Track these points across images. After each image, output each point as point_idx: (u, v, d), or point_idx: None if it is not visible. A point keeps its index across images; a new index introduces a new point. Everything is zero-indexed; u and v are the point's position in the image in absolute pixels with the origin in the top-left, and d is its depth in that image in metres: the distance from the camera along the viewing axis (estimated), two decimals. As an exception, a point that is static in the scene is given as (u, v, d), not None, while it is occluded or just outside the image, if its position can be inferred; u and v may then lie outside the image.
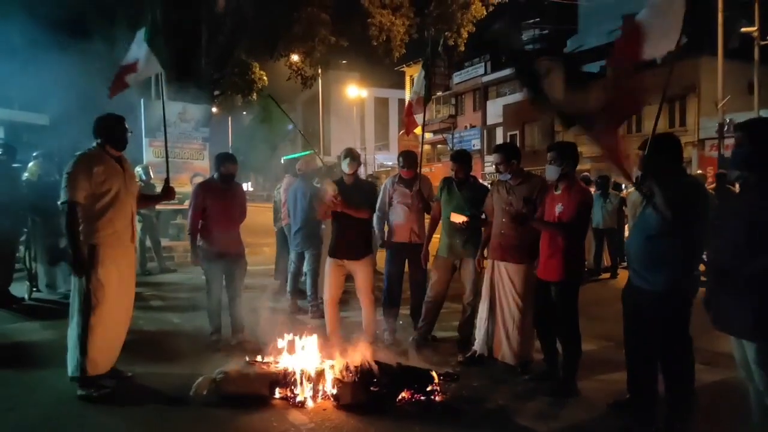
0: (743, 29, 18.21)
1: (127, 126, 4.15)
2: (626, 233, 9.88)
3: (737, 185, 8.07)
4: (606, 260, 9.91)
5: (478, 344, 4.68)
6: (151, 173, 9.86)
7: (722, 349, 4.61)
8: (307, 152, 8.56)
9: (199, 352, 4.87)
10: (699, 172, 8.67)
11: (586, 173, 12.88)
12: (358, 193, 4.91)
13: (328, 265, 5.04)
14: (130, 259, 4.16)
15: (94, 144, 4.02)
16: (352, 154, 5.04)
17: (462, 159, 5.09)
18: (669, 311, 3.29)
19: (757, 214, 2.48)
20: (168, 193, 4.52)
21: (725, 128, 18.35)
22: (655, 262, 3.30)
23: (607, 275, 9.70)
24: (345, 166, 5.02)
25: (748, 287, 2.51)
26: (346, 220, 4.82)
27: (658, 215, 3.22)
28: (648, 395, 3.56)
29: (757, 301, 2.48)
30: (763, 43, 17.97)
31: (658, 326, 3.34)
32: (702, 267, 3.40)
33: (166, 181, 4.59)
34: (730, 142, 17.36)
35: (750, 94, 19.47)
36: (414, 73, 39.58)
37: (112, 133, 4.05)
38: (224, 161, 5.23)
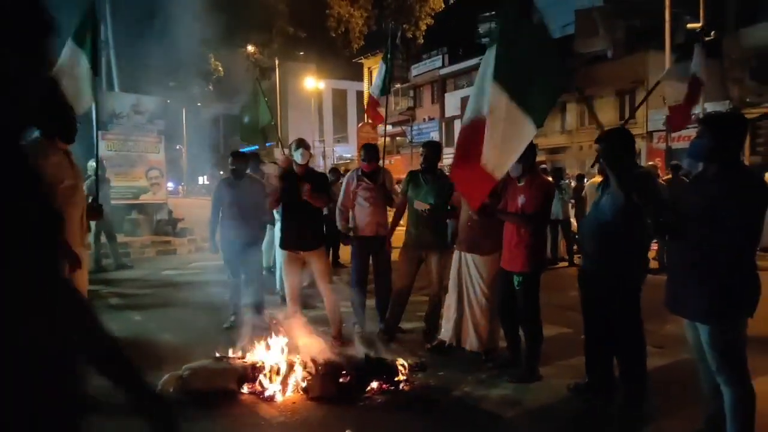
0: (689, 25, 18.96)
1: (75, 115, 3.86)
2: (573, 223, 10.22)
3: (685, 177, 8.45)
4: (561, 249, 10.22)
5: (445, 334, 4.77)
6: (105, 166, 9.55)
7: (672, 333, 4.87)
8: (254, 147, 8.54)
9: (163, 349, 4.79)
10: (651, 163, 8.98)
11: (543, 165, 13.18)
12: (312, 183, 4.92)
13: (284, 258, 5.05)
14: (84, 257, 3.96)
15: (36, 134, 3.62)
16: (304, 144, 5.05)
17: (430, 147, 5.20)
18: (621, 295, 3.48)
19: (715, 203, 2.62)
20: (95, 212, 4.19)
21: (672, 121, 19.09)
22: (609, 248, 3.47)
23: (564, 264, 9.99)
24: (298, 157, 5.00)
25: (702, 273, 2.66)
26: (296, 212, 4.85)
27: (613, 203, 3.38)
28: (605, 377, 3.74)
29: (711, 285, 2.63)
30: (707, 39, 18.75)
31: (611, 310, 3.52)
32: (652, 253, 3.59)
33: (94, 199, 4.41)
34: (676, 134, 18.07)
35: (695, 87, 20.29)
36: (372, 65, 39.48)
37: (59, 123, 3.65)
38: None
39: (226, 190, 5.60)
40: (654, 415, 3.52)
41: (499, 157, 3.59)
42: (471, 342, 4.59)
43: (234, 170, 5.66)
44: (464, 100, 32.92)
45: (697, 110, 17.89)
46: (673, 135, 18.73)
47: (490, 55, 3.65)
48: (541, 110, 3.58)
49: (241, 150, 6.41)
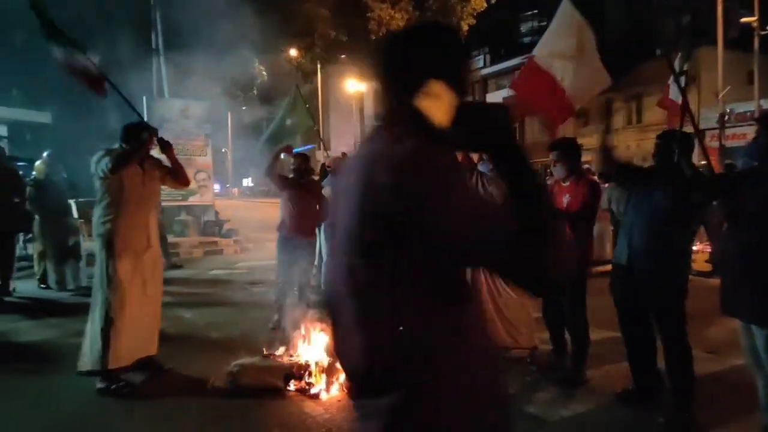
0: (743, 19, 18.20)
1: (142, 132, 4.19)
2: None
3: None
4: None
5: None
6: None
7: (723, 338, 4.72)
8: (309, 146, 8.62)
9: (214, 346, 4.95)
10: (703, 162, 8.60)
11: (587, 165, 12.84)
12: None
13: None
14: (154, 258, 4.21)
15: (117, 145, 4.12)
16: None
17: None
18: (669, 292, 3.38)
19: None
20: (164, 145, 4.41)
21: (726, 118, 18.39)
22: (662, 244, 3.38)
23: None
24: None
25: (758, 273, 2.58)
26: None
27: (675, 198, 3.29)
28: (652, 383, 3.64)
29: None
30: (762, 33, 17.96)
31: (657, 307, 3.43)
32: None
33: (160, 139, 4.44)
34: (730, 132, 17.39)
35: (750, 83, 19.48)
36: (413, 66, 39.51)
37: (128, 138, 4.13)
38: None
39: (289, 189, 5.67)
40: (706, 423, 3.41)
41: (578, 94, 4.07)
42: (501, 338, 4.48)
43: (296, 170, 5.76)
44: (506, 100, 32.55)
45: (752, 108, 17.18)
46: (727, 133, 18.01)
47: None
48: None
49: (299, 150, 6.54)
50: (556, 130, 4.39)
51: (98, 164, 3.91)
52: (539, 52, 4.43)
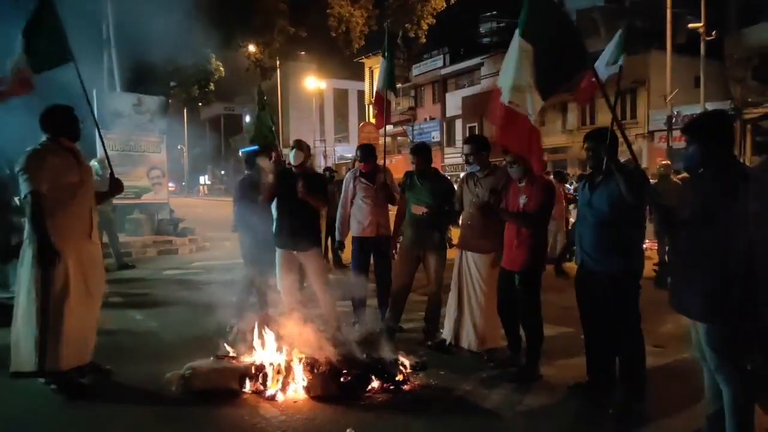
0: (690, 25, 18.95)
1: (77, 115, 3.98)
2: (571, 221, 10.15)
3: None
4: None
5: (446, 332, 4.78)
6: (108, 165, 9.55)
7: (672, 333, 4.90)
8: (254, 147, 8.48)
9: (165, 348, 4.80)
10: (664, 162, 8.80)
11: (560, 169, 13.20)
12: (308, 184, 4.91)
13: (279, 256, 5.03)
14: (93, 253, 4.00)
15: (44, 138, 3.84)
16: (298, 146, 5.02)
17: (419, 152, 5.09)
18: (621, 292, 3.49)
19: (710, 201, 2.66)
20: (116, 186, 4.34)
21: (673, 120, 19.13)
22: (607, 246, 3.51)
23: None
24: (291, 158, 5.01)
25: (699, 271, 2.67)
26: (291, 209, 4.84)
27: (609, 198, 3.41)
28: (606, 376, 3.74)
29: (707, 284, 2.64)
30: (708, 38, 18.74)
31: (611, 308, 3.54)
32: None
33: (111, 174, 4.38)
34: (678, 133, 18.03)
35: (696, 87, 20.30)
36: (373, 64, 39.53)
37: (63, 124, 3.88)
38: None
39: (249, 189, 5.54)
40: (654, 414, 3.53)
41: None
42: (469, 341, 4.58)
43: (260, 168, 5.64)
44: (465, 100, 32.97)
45: (698, 110, 17.89)
46: (675, 135, 18.72)
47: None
48: (550, 85, 3.72)
49: (246, 150, 6.43)
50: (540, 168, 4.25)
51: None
52: (506, 92, 3.95)
